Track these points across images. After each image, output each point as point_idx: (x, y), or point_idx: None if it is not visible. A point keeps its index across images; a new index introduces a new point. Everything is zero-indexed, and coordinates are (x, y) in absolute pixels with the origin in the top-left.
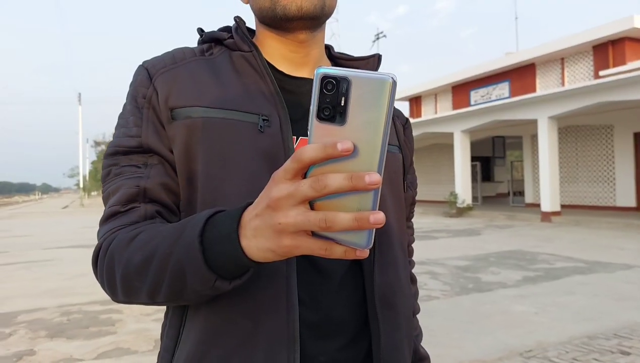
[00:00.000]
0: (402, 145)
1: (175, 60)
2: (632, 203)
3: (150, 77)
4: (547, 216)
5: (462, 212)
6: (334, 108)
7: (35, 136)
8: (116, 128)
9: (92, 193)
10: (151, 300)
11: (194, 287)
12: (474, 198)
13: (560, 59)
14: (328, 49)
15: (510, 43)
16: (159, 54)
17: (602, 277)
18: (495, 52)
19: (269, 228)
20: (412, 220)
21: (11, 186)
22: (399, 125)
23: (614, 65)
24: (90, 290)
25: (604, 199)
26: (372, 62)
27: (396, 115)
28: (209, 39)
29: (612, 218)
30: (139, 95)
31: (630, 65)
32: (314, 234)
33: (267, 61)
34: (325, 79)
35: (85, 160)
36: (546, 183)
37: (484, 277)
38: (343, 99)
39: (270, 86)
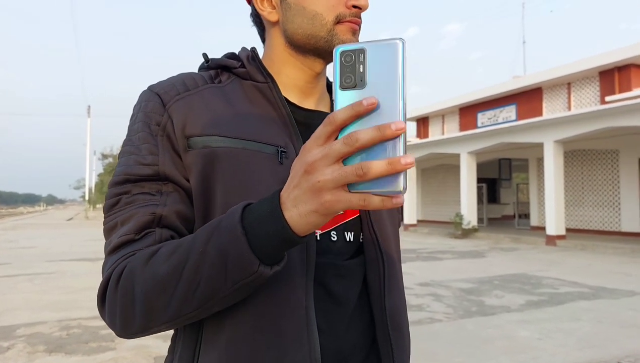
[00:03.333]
0: None
1: (187, 87)
2: (638, 228)
3: (164, 104)
4: (552, 240)
5: (467, 233)
6: (354, 75)
7: (43, 147)
8: (123, 155)
9: (97, 205)
10: (176, 315)
11: (234, 277)
12: (480, 220)
13: (567, 84)
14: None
15: (518, 67)
16: (165, 78)
17: (607, 303)
18: (503, 75)
19: (309, 190)
20: (414, 241)
21: (17, 196)
22: None
23: (620, 91)
24: (92, 304)
25: (609, 224)
26: None
27: None
28: (216, 66)
29: (618, 244)
30: (152, 122)
31: (636, 91)
32: (351, 191)
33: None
34: (344, 53)
35: (92, 172)
36: (552, 207)
37: (488, 301)
38: (361, 66)
39: (286, 118)
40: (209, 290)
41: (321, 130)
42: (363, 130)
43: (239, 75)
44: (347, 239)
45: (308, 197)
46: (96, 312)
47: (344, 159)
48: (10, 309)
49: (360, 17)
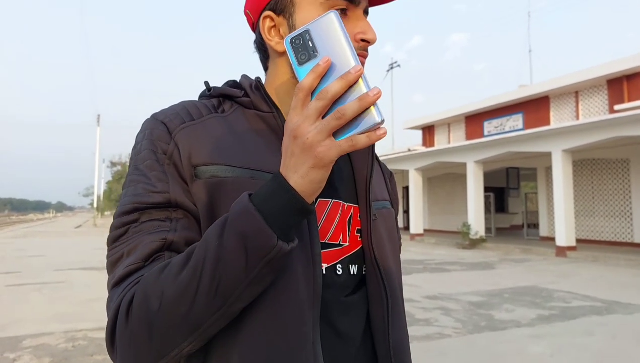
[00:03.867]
0: (392, 198)
1: (192, 116)
2: None
3: (170, 132)
4: (562, 251)
5: (475, 243)
6: (307, 51)
7: (53, 155)
8: (130, 184)
9: (106, 212)
10: (199, 323)
11: (254, 257)
12: (487, 230)
13: (574, 92)
14: None
15: (524, 76)
16: (167, 106)
17: (621, 318)
18: (510, 85)
19: (302, 151)
20: (421, 251)
21: (27, 203)
22: (387, 180)
23: (629, 100)
24: (99, 316)
25: (620, 235)
26: None
27: (383, 170)
28: (218, 94)
29: (630, 255)
30: (158, 150)
31: None
32: (338, 140)
33: None
34: (293, 39)
35: (100, 180)
36: (561, 217)
37: (498, 315)
38: (310, 42)
39: None
40: (232, 281)
41: (295, 101)
42: (330, 85)
43: (242, 104)
44: (351, 272)
45: (304, 158)
46: (103, 324)
47: (323, 115)
48: (18, 320)
49: (367, 50)
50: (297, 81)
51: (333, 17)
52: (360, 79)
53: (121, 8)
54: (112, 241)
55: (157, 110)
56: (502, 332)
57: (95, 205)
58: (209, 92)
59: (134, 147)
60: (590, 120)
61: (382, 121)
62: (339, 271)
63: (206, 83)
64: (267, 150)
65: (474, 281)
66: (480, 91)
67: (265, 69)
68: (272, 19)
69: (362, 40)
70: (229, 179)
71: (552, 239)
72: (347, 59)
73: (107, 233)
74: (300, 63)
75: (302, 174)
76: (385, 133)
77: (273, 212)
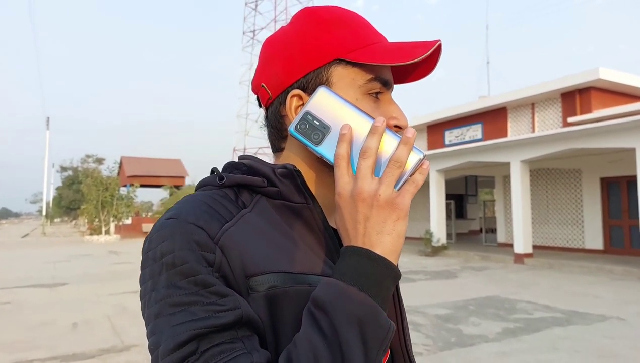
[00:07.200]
0: None
1: (222, 215)
2: (600, 246)
3: (212, 237)
4: (520, 258)
5: (437, 251)
6: (318, 130)
7: None
8: (172, 308)
9: (55, 220)
10: None
11: (373, 343)
12: (448, 236)
13: (530, 104)
14: None
15: (483, 86)
16: (178, 205)
17: (581, 329)
18: (467, 94)
19: (379, 209)
20: None
21: None
22: None
23: (581, 113)
24: (51, 343)
25: (573, 241)
26: None
27: None
28: (234, 184)
29: (583, 262)
30: (201, 261)
31: (595, 113)
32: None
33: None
34: (297, 126)
35: (50, 185)
36: (519, 225)
37: (465, 329)
38: (315, 121)
39: (330, 246)
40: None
41: (339, 171)
42: (366, 143)
43: (266, 194)
44: None
45: (384, 215)
46: (56, 352)
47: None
48: None
49: None
50: (324, 163)
51: (324, 90)
52: (387, 131)
53: (74, 7)
54: None
55: (173, 212)
56: (471, 348)
57: (44, 212)
58: (221, 182)
59: (155, 260)
60: (547, 133)
61: (425, 155)
62: None
63: (215, 170)
64: (306, 247)
65: (439, 292)
66: (442, 99)
67: (278, 149)
68: (300, 98)
69: (395, 126)
70: (291, 289)
71: (510, 245)
72: (361, 119)
73: (57, 244)
74: (317, 143)
75: (388, 231)
76: (429, 164)
77: (375, 288)
